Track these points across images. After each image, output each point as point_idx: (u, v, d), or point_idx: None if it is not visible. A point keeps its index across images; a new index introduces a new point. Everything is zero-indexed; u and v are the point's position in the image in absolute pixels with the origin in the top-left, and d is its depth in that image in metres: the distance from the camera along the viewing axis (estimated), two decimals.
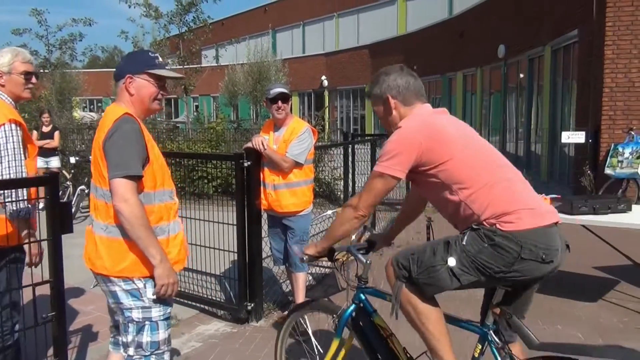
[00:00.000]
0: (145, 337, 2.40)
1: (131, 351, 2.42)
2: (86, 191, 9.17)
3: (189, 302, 4.74)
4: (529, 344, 2.19)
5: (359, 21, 29.23)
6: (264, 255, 4.51)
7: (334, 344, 2.68)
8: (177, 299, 4.78)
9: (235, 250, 4.31)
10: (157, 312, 2.41)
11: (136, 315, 2.38)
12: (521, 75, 15.16)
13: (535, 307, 4.63)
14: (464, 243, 2.20)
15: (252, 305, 4.34)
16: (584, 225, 4.80)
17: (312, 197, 4.25)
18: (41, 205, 3.09)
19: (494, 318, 2.28)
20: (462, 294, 3.00)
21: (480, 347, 2.32)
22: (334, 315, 2.69)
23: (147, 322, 2.39)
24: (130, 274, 2.36)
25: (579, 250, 6.52)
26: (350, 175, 7.14)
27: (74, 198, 8.87)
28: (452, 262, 2.20)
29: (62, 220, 2.86)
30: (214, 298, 4.70)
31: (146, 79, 2.43)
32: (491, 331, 2.29)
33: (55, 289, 2.94)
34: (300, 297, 4.18)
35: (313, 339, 3.16)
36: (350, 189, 7.15)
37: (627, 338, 4.02)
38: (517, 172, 2.33)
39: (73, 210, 8.16)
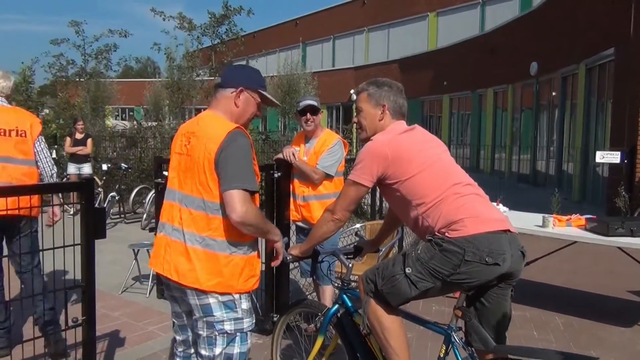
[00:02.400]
0: (236, 349, 2.39)
1: None
2: (117, 198, 9.31)
3: None
4: (486, 347, 2.40)
5: (389, 36, 29.24)
6: (291, 266, 4.49)
7: (319, 341, 2.91)
8: None
9: (263, 261, 4.29)
10: (247, 322, 2.41)
11: (228, 327, 2.35)
12: (554, 93, 14.94)
13: (568, 331, 4.53)
14: (419, 252, 2.44)
15: (279, 316, 4.30)
16: (620, 248, 4.67)
17: None
18: (74, 210, 3.17)
19: (456, 320, 2.47)
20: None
21: (445, 347, 2.50)
22: (319, 314, 2.90)
23: (238, 334, 2.38)
24: (225, 290, 2.32)
25: (614, 273, 6.36)
26: (377, 188, 7.08)
27: (105, 204, 9.01)
28: (408, 270, 2.42)
29: (96, 225, 2.88)
30: None
31: (255, 98, 2.48)
32: (454, 332, 2.46)
33: (87, 294, 2.97)
34: None
35: (305, 337, 3.41)
36: (377, 201, 7.09)
37: None
38: (473, 187, 2.55)
39: None
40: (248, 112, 2.47)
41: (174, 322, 2.59)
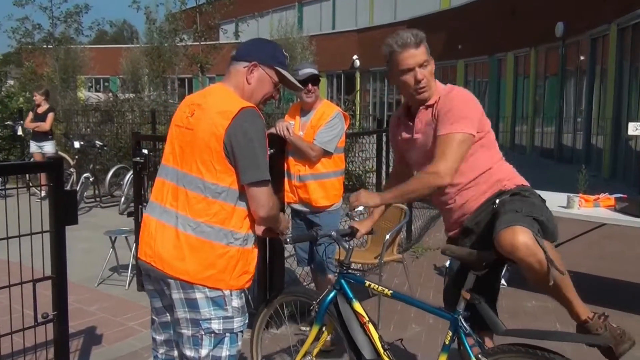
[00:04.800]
0: (225, 351, 2.37)
1: None
2: (91, 179, 9.31)
3: None
4: (496, 330, 2.45)
5: None
6: (286, 254, 4.50)
7: (314, 330, 2.95)
8: None
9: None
10: (238, 322, 2.39)
11: (216, 326, 2.33)
12: (582, 58, 14.85)
13: None
14: (512, 203, 2.54)
15: (260, 307, 4.33)
16: None
17: (342, 191, 4.23)
18: (43, 193, 3.15)
19: (464, 304, 2.49)
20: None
21: (450, 333, 2.53)
22: (314, 302, 2.91)
23: (227, 334, 2.36)
24: (215, 284, 2.31)
25: None
26: (383, 167, 7.09)
27: (78, 186, 9.01)
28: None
29: (66, 210, 2.88)
30: None
31: (270, 75, 2.45)
32: (461, 317, 2.49)
33: (57, 286, 2.98)
34: None
35: (287, 327, 3.50)
36: (383, 182, 7.11)
37: None
38: None
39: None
40: (261, 91, 2.46)
41: (153, 320, 2.54)
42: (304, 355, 3.01)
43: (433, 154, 2.60)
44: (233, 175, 2.29)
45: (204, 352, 2.34)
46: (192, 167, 2.31)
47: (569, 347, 3.48)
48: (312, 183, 4.11)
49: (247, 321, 2.46)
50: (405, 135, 2.88)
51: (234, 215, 2.32)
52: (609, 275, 5.85)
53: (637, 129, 9.01)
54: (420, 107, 2.75)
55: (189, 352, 2.37)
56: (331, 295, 2.88)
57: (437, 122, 2.62)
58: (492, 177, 2.68)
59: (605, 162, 12.74)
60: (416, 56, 2.63)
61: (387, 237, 4.56)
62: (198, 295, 2.31)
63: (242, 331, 2.44)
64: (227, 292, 2.35)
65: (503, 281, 4.85)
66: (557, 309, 4.88)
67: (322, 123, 4.07)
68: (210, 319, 2.32)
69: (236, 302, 2.38)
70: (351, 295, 2.85)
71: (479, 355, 2.41)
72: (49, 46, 22.11)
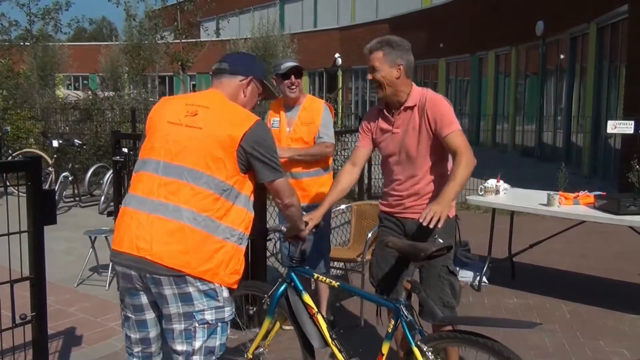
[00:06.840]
0: (218, 340, 2.45)
1: (197, 359, 2.40)
2: (70, 178, 9.22)
3: None
4: (433, 319, 2.70)
5: None
6: (268, 253, 4.49)
7: (266, 323, 3.14)
8: None
9: None
10: (229, 311, 2.47)
11: (209, 317, 2.39)
12: (562, 56, 15.00)
13: (575, 320, 4.62)
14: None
15: (255, 309, 4.33)
16: (632, 227, 4.75)
17: None
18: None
19: (405, 293, 2.64)
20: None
21: (393, 322, 2.68)
22: (266, 295, 3.08)
23: (219, 324, 2.44)
24: (211, 278, 2.37)
25: (626, 255, 6.48)
26: (365, 166, 7.09)
27: (57, 186, 8.91)
28: None
29: (44, 210, 2.86)
30: None
31: (258, 87, 2.70)
32: (402, 306, 2.62)
33: (36, 287, 2.96)
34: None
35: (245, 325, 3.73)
36: (365, 180, 7.11)
37: None
38: None
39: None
40: (252, 102, 2.68)
41: (128, 318, 2.51)
42: (257, 347, 3.17)
43: (408, 146, 3.09)
44: (237, 175, 2.42)
45: (197, 344, 2.39)
46: (199, 163, 2.39)
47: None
48: (306, 180, 4.13)
49: (234, 310, 2.52)
50: (384, 126, 3.22)
51: (231, 212, 2.42)
52: (589, 273, 5.93)
53: (615, 127, 9.10)
54: (401, 108, 3.14)
55: (180, 347, 2.39)
56: (282, 288, 3.04)
57: (436, 126, 3.02)
58: (441, 183, 3.05)
59: (585, 160, 12.89)
60: (369, 61, 3.12)
61: (369, 235, 4.58)
62: (191, 289, 2.35)
63: (231, 320, 2.51)
64: (217, 285, 2.41)
65: (485, 279, 4.90)
66: (537, 305, 4.96)
67: (317, 119, 4.09)
68: (203, 310, 2.38)
69: (226, 293, 2.46)
70: (301, 288, 3.03)
71: (419, 342, 2.53)
72: (26, 43, 21.85)
